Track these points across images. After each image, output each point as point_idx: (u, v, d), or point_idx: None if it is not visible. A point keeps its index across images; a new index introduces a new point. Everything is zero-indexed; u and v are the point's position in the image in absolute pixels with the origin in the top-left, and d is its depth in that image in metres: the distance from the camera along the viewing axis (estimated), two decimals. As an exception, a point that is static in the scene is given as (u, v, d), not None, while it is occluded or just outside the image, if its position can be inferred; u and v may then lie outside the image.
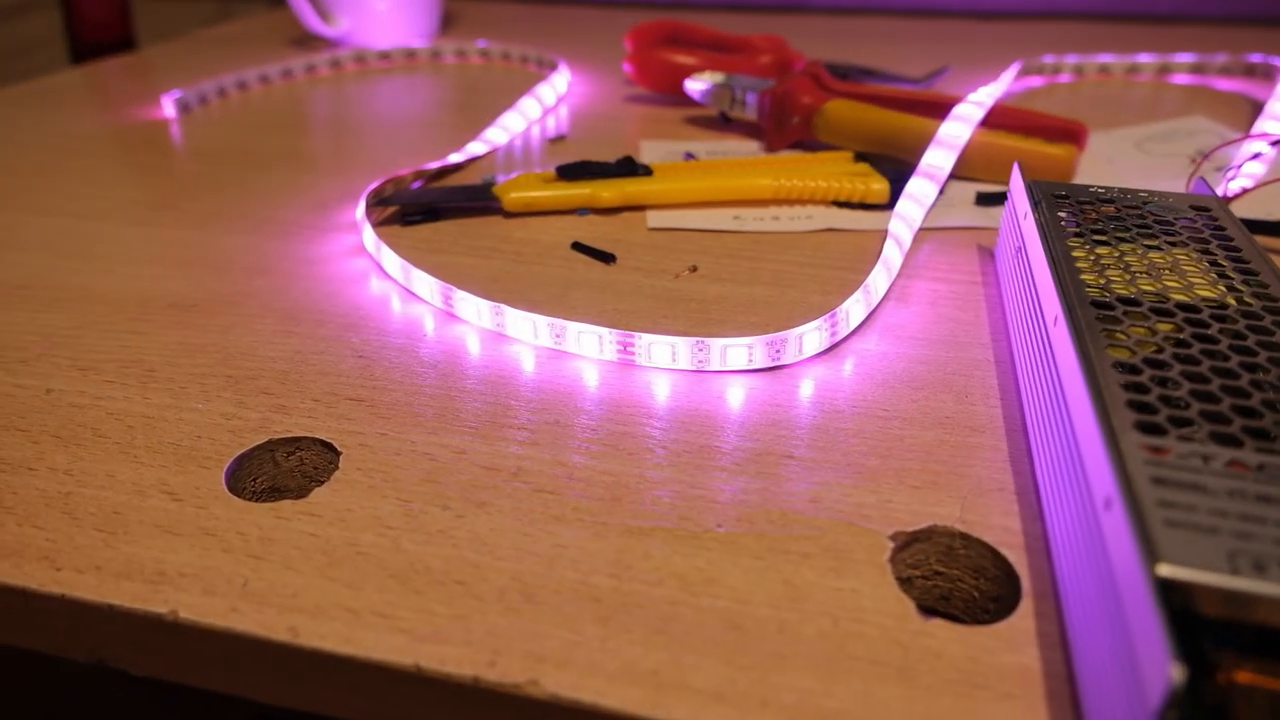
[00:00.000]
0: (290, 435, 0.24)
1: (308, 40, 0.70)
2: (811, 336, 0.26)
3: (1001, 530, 0.20)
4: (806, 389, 0.25)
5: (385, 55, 0.62)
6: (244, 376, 0.26)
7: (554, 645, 0.17)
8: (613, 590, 0.19)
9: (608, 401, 0.25)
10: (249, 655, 0.18)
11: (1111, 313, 0.21)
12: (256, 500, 0.21)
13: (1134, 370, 0.19)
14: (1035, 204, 0.27)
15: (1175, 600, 0.14)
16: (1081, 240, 0.25)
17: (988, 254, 0.33)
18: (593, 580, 0.19)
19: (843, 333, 0.27)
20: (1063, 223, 0.26)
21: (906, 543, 0.20)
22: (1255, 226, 0.33)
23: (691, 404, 0.25)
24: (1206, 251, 0.25)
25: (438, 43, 0.65)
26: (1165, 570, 0.14)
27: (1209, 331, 0.21)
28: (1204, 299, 0.22)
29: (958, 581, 0.20)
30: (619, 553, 0.20)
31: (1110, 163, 0.42)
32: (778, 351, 0.26)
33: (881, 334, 0.28)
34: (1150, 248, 0.25)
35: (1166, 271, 0.24)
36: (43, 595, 0.19)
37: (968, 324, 0.28)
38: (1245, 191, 0.37)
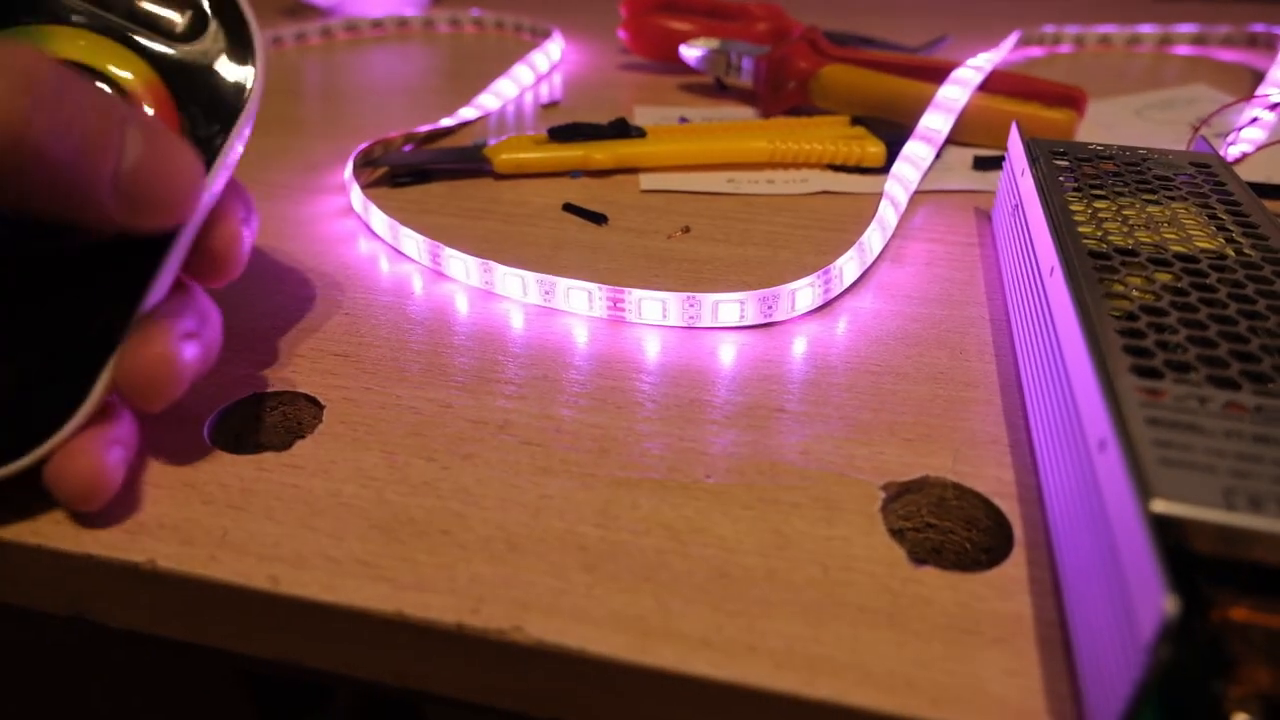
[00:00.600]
0: (274, 390, 0.23)
1: (299, 10, 0.69)
2: (804, 293, 0.25)
3: (994, 481, 0.20)
4: (799, 345, 0.25)
5: (378, 24, 0.61)
6: (228, 333, 0.26)
7: (539, 592, 0.17)
8: (599, 539, 0.18)
9: (597, 357, 0.24)
10: (228, 604, 0.18)
11: (1109, 263, 0.21)
12: (238, 454, 0.21)
13: (1131, 317, 0.19)
14: (1033, 160, 0.27)
15: (1170, 538, 0.14)
16: (1079, 195, 0.25)
17: (984, 217, 0.33)
18: (579, 529, 0.19)
19: (836, 290, 0.27)
20: (1060, 178, 0.26)
21: (898, 493, 0.20)
22: (1258, 190, 0.33)
23: (682, 359, 0.24)
24: (1206, 206, 0.24)
25: (431, 11, 0.64)
26: (1160, 506, 0.14)
27: (1207, 281, 0.20)
28: (1202, 250, 0.22)
29: (949, 534, 0.20)
30: (606, 503, 0.19)
31: (1109, 129, 0.42)
32: (770, 308, 0.25)
33: (875, 292, 0.27)
34: (1149, 202, 0.25)
35: (1165, 224, 0.23)
36: (20, 546, 0.19)
37: (963, 283, 0.28)
38: (1245, 156, 0.36)
